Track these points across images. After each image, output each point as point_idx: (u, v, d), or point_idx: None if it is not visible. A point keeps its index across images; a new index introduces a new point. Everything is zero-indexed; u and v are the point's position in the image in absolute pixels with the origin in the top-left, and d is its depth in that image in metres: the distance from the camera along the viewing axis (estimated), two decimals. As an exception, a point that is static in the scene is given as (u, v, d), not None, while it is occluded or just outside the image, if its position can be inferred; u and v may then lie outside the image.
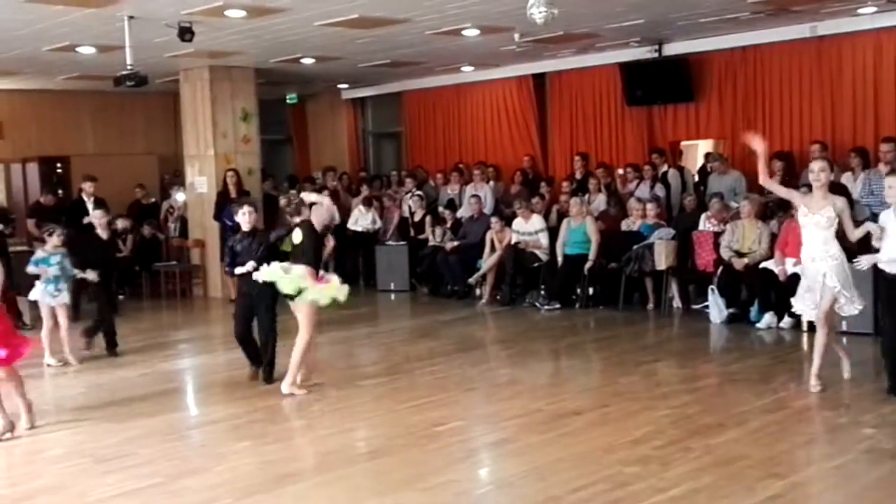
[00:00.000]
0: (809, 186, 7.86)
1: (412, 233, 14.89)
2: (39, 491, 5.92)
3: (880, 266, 7.17)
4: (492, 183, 15.21)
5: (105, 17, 10.08)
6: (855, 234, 7.38)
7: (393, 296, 14.42)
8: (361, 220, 15.35)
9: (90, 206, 13.18)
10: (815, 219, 7.25)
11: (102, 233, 10.09)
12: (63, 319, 9.69)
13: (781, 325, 10.30)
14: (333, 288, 8.01)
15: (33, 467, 6.42)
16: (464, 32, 11.80)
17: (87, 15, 9.97)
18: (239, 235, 8.54)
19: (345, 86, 17.97)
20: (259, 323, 8.49)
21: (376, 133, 19.30)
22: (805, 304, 7.57)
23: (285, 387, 8.05)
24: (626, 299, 12.11)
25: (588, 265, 12.16)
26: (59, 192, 15.07)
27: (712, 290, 10.92)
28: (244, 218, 8.45)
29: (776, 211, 11.15)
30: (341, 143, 19.05)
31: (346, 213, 15.76)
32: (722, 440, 6.40)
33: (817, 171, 7.30)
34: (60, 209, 13.89)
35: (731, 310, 10.78)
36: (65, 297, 9.69)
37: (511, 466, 6.10)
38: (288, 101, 18.81)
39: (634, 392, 7.86)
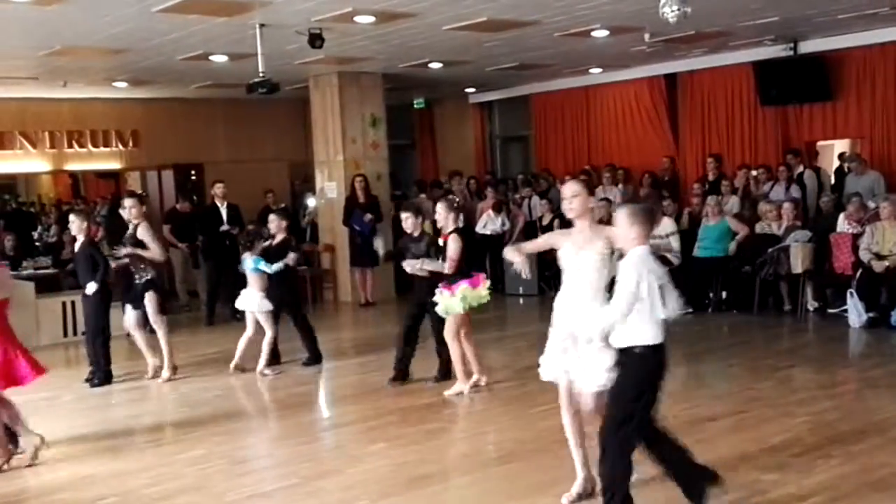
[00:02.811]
0: None
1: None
2: (180, 490, 6.08)
3: None
4: (621, 186, 14.97)
5: (237, 26, 10.30)
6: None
7: (521, 300, 14.35)
8: (490, 224, 15.30)
9: (223, 211, 13.50)
10: (585, 255, 5.32)
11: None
12: (270, 327, 9.55)
13: (926, 329, 9.90)
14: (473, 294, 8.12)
15: (173, 468, 6.59)
16: (593, 33, 11.68)
17: (219, 24, 10.19)
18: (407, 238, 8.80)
19: (472, 90, 18.02)
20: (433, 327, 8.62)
21: (503, 137, 19.29)
22: (556, 368, 5.78)
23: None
24: (760, 303, 11.81)
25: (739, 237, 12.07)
26: (194, 198, 15.46)
27: (851, 293, 10.60)
28: (405, 224, 8.71)
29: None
30: (468, 147, 19.10)
31: (472, 217, 15.76)
32: (863, 447, 6.19)
33: (570, 198, 5.41)
34: (196, 216, 14.25)
35: (870, 313, 10.46)
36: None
37: (646, 472, 5.95)
38: (415, 105, 18.95)
39: (770, 398, 7.67)
